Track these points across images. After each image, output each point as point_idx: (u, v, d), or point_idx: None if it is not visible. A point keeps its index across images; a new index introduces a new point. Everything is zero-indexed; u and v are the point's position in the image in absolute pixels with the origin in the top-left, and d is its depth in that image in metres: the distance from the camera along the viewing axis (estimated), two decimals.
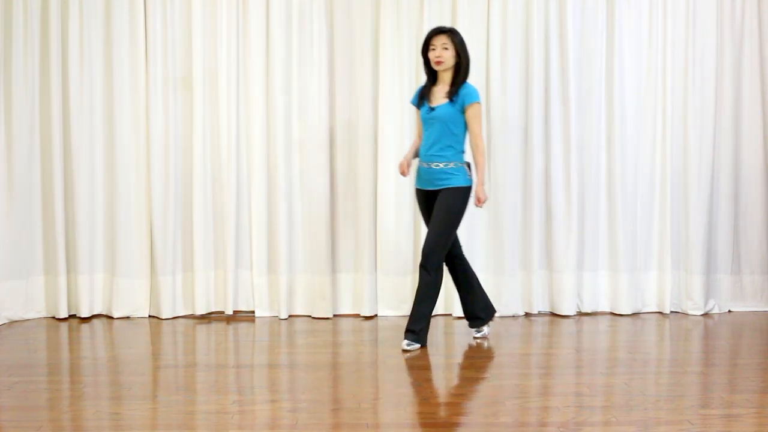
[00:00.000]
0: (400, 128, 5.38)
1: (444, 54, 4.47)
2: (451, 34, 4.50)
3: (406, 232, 5.41)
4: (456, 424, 3.30)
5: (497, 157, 5.40)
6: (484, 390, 3.77)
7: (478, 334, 4.82)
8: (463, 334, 4.97)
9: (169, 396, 3.67)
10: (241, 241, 5.42)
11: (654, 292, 5.55)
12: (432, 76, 4.59)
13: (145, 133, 5.31)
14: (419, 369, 4.17)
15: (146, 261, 5.35)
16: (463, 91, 4.47)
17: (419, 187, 4.61)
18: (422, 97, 4.59)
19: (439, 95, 4.52)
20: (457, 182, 4.46)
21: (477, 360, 4.34)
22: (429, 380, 3.96)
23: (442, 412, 3.46)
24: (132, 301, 5.36)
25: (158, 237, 5.30)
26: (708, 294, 5.52)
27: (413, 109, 5.39)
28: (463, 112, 4.47)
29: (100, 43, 5.29)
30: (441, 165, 4.46)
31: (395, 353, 4.44)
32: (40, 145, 5.26)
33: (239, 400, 3.62)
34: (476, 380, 3.93)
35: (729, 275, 5.59)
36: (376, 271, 5.42)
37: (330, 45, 5.35)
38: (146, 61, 5.27)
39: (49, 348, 4.71)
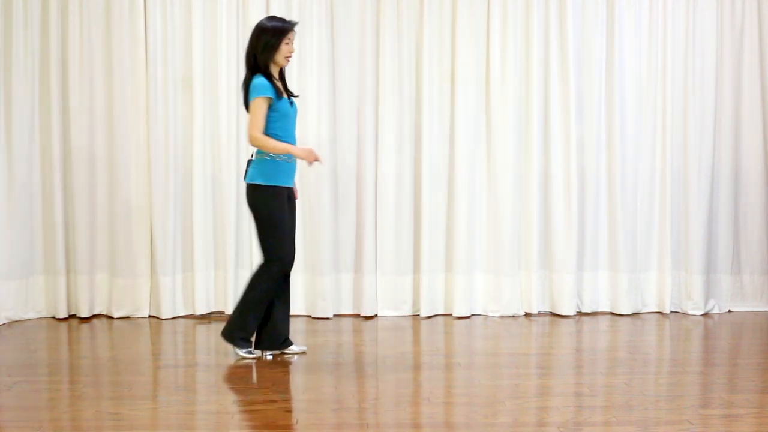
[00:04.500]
0: (400, 128, 5.37)
1: (293, 50, 4.29)
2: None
3: (407, 232, 5.41)
4: (456, 424, 3.30)
5: (497, 156, 5.40)
6: (484, 390, 3.77)
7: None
8: (463, 335, 4.97)
9: (169, 396, 3.67)
10: (241, 241, 5.42)
11: (654, 292, 5.55)
12: (265, 70, 4.21)
13: (145, 133, 5.30)
14: (419, 369, 4.17)
15: (146, 261, 5.35)
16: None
17: (287, 185, 4.26)
18: (278, 90, 4.20)
19: (282, 90, 4.25)
20: None
21: (477, 360, 4.34)
22: (429, 380, 3.96)
23: (442, 412, 3.46)
24: (132, 301, 5.36)
25: (158, 237, 5.30)
26: (708, 294, 5.52)
27: (411, 109, 5.40)
28: None
29: (100, 44, 5.29)
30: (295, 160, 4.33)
31: (395, 353, 4.44)
32: (40, 145, 5.26)
33: (239, 400, 3.62)
34: (476, 380, 3.93)
35: (729, 275, 5.59)
36: (376, 271, 5.42)
37: (330, 45, 5.35)
38: (146, 61, 5.27)
39: (49, 348, 4.71)
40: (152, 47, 5.25)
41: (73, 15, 5.22)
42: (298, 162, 4.35)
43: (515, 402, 3.56)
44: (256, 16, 5.27)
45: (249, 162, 4.28)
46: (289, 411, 3.48)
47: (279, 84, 4.24)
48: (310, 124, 5.32)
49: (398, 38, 5.36)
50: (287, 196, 4.26)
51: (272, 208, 4.18)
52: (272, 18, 4.29)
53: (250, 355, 4.29)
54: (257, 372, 4.13)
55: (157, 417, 3.38)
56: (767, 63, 5.51)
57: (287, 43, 4.22)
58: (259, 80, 4.15)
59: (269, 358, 4.31)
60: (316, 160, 4.17)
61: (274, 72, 4.25)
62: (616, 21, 5.42)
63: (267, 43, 4.17)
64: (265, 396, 3.71)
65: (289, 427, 3.27)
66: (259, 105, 4.12)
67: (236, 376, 4.04)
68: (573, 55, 5.38)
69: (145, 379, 3.97)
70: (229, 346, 4.36)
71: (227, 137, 5.32)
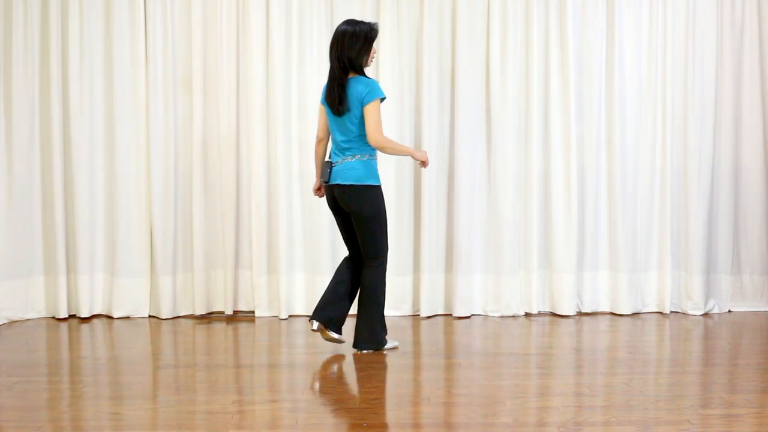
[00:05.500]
0: (400, 128, 5.38)
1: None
2: None
3: (407, 232, 5.41)
4: (456, 424, 3.30)
5: (497, 156, 5.41)
6: (484, 390, 3.77)
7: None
8: (463, 335, 4.97)
9: (169, 396, 3.67)
10: (241, 241, 5.42)
11: (654, 292, 5.55)
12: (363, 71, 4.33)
13: (145, 133, 5.31)
14: (419, 369, 4.17)
15: (146, 261, 5.35)
16: None
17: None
18: None
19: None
20: None
21: (477, 360, 4.34)
22: (429, 380, 3.96)
23: (442, 412, 3.46)
24: (132, 301, 5.36)
25: (158, 237, 5.30)
26: (708, 294, 5.52)
27: (411, 108, 5.41)
28: None
29: (100, 43, 5.29)
30: None
31: (395, 353, 4.44)
32: (40, 145, 5.26)
33: (239, 400, 3.62)
34: (476, 380, 3.93)
35: (729, 275, 5.59)
36: None
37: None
38: (146, 61, 5.27)
39: (49, 348, 4.72)
40: (152, 47, 5.25)
41: (73, 15, 5.22)
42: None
43: (515, 402, 3.56)
44: (256, 16, 5.28)
45: (331, 164, 4.32)
46: (289, 411, 3.48)
47: None
48: (310, 124, 5.32)
49: (398, 38, 5.37)
50: None
51: (384, 207, 4.35)
52: (368, 23, 4.33)
53: (395, 343, 4.53)
54: (257, 372, 4.13)
55: (157, 417, 3.38)
56: (767, 63, 5.52)
57: (373, 47, 4.32)
58: (375, 82, 4.26)
59: (314, 327, 4.41)
60: (427, 162, 4.40)
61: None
62: (616, 21, 5.43)
63: (365, 46, 4.25)
64: (265, 396, 3.71)
65: (289, 427, 3.27)
66: (378, 106, 4.23)
67: (236, 376, 4.04)
68: (573, 55, 5.38)
69: (145, 379, 3.97)
70: (225, 347, 4.36)
71: (227, 137, 5.32)
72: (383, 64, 5.35)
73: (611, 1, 5.43)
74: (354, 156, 4.28)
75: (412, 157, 4.38)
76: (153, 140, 5.27)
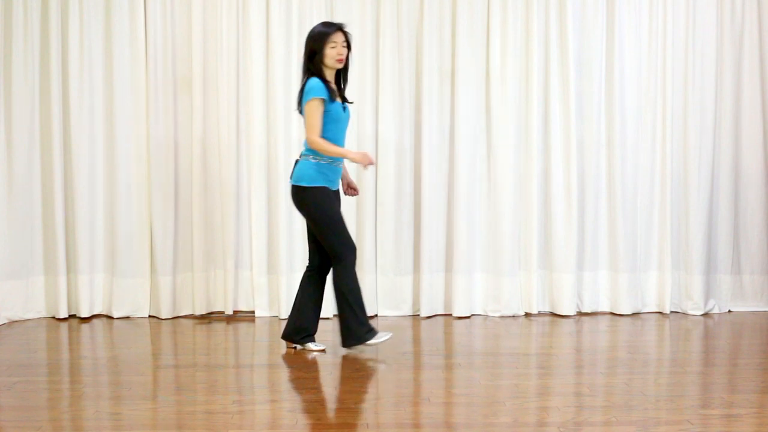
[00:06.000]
0: (401, 128, 5.38)
1: (344, 52, 4.32)
2: (349, 34, 4.36)
3: (407, 232, 5.41)
4: (456, 424, 3.30)
5: (497, 156, 5.41)
6: (484, 390, 3.77)
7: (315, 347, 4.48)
8: (463, 335, 4.97)
9: (169, 396, 3.67)
10: (241, 241, 5.42)
11: (654, 292, 5.55)
12: (318, 72, 4.30)
13: (145, 133, 5.30)
14: (419, 369, 4.17)
15: (146, 261, 5.35)
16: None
17: (333, 188, 4.36)
18: (332, 93, 4.30)
19: (341, 94, 4.38)
20: None
21: (477, 360, 4.34)
22: (429, 380, 3.96)
23: (442, 412, 3.46)
24: (132, 301, 5.35)
25: (158, 237, 5.29)
26: (708, 294, 5.52)
27: (411, 108, 5.40)
28: None
29: (100, 43, 5.29)
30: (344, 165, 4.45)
31: (395, 353, 4.44)
32: (40, 145, 5.26)
33: (239, 400, 3.62)
34: (476, 380, 3.93)
35: (729, 275, 5.59)
36: (376, 271, 5.42)
37: None
38: (146, 61, 5.27)
39: (49, 348, 4.72)
40: (152, 47, 5.25)
41: (73, 15, 5.22)
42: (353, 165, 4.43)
43: (515, 402, 3.56)
44: (256, 16, 5.28)
45: (296, 162, 4.38)
46: (289, 411, 3.48)
47: (333, 87, 4.32)
48: None
49: (398, 38, 5.36)
50: (334, 196, 4.36)
51: (323, 207, 4.28)
52: (321, 24, 4.40)
53: (387, 335, 4.39)
54: (257, 372, 4.13)
55: (157, 417, 3.38)
56: (767, 63, 5.51)
57: (333, 47, 4.27)
58: (314, 82, 4.25)
59: (292, 349, 4.42)
60: (371, 163, 4.23)
61: (329, 76, 4.32)
62: (616, 21, 5.42)
63: (312, 48, 4.28)
64: (265, 396, 3.71)
65: (289, 427, 3.27)
66: (315, 107, 4.21)
67: (236, 376, 4.04)
68: (573, 55, 5.38)
69: (145, 379, 3.97)
70: (225, 347, 4.36)
71: (227, 137, 5.32)
72: (383, 64, 5.34)
73: (611, 1, 5.43)
74: (301, 156, 4.35)
75: (350, 159, 4.27)
76: (153, 140, 5.27)
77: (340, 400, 3.63)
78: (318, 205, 4.27)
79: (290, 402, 3.63)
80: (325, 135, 4.25)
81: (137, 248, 5.33)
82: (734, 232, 5.59)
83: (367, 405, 3.57)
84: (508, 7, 5.36)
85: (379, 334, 4.39)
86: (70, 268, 5.33)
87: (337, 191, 4.42)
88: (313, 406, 3.55)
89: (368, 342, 4.37)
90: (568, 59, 5.37)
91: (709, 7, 5.44)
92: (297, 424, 3.29)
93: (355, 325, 4.35)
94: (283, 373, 4.14)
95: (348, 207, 5.36)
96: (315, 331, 4.50)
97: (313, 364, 4.25)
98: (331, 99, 4.25)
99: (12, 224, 5.20)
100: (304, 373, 4.09)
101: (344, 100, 4.37)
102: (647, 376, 4.01)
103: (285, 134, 5.34)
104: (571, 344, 4.78)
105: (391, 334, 4.45)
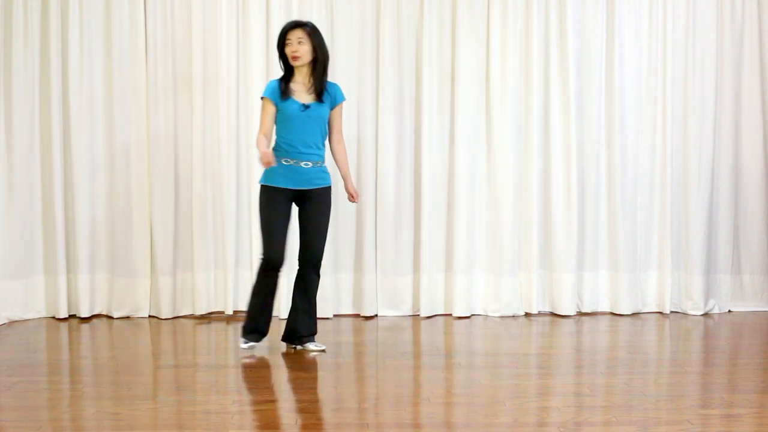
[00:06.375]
0: (401, 128, 5.38)
1: (300, 49, 4.31)
2: (308, 28, 4.36)
3: (407, 232, 5.41)
4: (456, 424, 3.30)
5: (497, 156, 5.41)
6: (484, 390, 3.77)
7: (315, 348, 4.47)
8: (463, 335, 4.97)
9: (169, 396, 3.67)
10: (241, 241, 5.42)
11: (654, 292, 5.55)
12: (288, 71, 4.39)
13: (145, 133, 5.30)
14: (419, 369, 4.17)
15: (146, 261, 5.34)
16: (332, 90, 4.39)
17: (284, 186, 4.32)
18: (284, 92, 4.33)
19: (302, 93, 4.36)
20: (329, 181, 4.45)
21: (477, 360, 4.34)
22: (429, 380, 3.96)
23: (442, 412, 3.46)
24: (132, 301, 5.35)
25: (158, 237, 5.29)
26: (708, 294, 5.52)
27: (411, 108, 5.40)
28: (330, 110, 4.40)
29: (100, 43, 5.29)
30: (319, 163, 4.38)
31: (395, 353, 4.44)
32: (40, 145, 5.26)
33: (239, 400, 3.62)
34: (476, 380, 3.93)
35: (729, 275, 5.59)
36: (376, 271, 5.42)
37: (330, 45, 5.32)
38: (146, 61, 5.27)
39: (49, 348, 4.72)
40: (152, 47, 5.25)
41: (73, 16, 5.21)
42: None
43: (515, 402, 3.56)
44: (256, 16, 5.28)
45: None
46: (289, 411, 3.48)
47: (293, 86, 4.34)
48: None
49: (398, 38, 5.36)
50: (288, 197, 4.34)
51: (262, 207, 4.36)
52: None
53: (243, 345, 4.41)
54: (257, 372, 4.13)
55: (157, 417, 3.38)
56: (767, 63, 5.51)
57: (288, 45, 4.32)
58: (269, 82, 4.41)
59: (292, 350, 4.47)
60: (268, 164, 4.15)
61: (299, 74, 4.36)
62: (616, 21, 5.42)
63: (278, 49, 4.40)
64: (265, 396, 3.72)
65: (289, 427, 3.27)
66: (263, 106, 4.37)
67: (236, 376, 4.04)
68: (573, 55, 5.38)
69: (145, 379, 3.97)
70: (225, 347, 4.37)
71: (227, 137, 5.32)
72: (383, 65, 5.34)
73: (611, 1, 5.43)
74: None
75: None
76: (153, 140, 5.27)
77: (340, 400, 3.63)
78: (259, 203, 4.36)
79: (290, 402, 3.63)
80: (279, 133, 4.35)
81: (137, 248, 5.33)
82: (734, 232, 5.59)
83: (367, 405, 3.57)
84: (508, 7, 5.36)
85: (246, 342, 4.42)
86: (70, 268, 5.33)
87: (302, 192, 4.36)
88: (313, 406, 3.55)
89: (242, 344, 4.44)
90: (568, 59, 5.37)
91: (709, 7, 5.44)
92: (297, 424, 3.29)
93: (244, 322, 4.47)
94: (283, 373, 4.14)
95: (348, 207, 5.38)
96: (312, 331, 4.50)
97: (313, 364, 4.26)
98: (282, 98, 4.30)
99: (12, 224, 5.20)
100: (304, 373, 4.09)
101: (318, 97, 4.33)
102: (647, 376, 4.01)
103: None
104: (571, 344, 4.78)
105: (250, 345, 4.42)
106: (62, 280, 5.26)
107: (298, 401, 3.62)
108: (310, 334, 4.49)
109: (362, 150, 5.37)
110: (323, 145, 4.42)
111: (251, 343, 4.41)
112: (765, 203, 5.58)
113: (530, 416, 3.39)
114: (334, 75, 5.32)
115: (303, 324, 4.46)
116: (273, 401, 3.64)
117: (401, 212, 5.40)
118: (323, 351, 4.43)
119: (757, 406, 3.52)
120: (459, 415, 3.41)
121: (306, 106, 4.31)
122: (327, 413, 3.45)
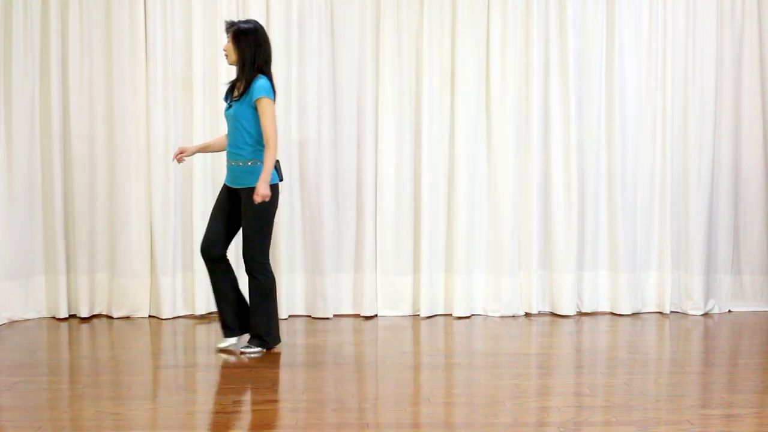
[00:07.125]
0: (401, 128, 5.38)
1: (227, 47, 4.36)
2: (233, 30, 4.33)
3: (407, 232, 5.41)
4: (456, 424, 3.30)
5: (497, 156, 5.41)
6: (484, 390, 3.77)
7: (246, 350, 4.41)
8: (463, 335, 4.97)
9: (169, 396, 3.67)
10: (241, 241, 5.40)
11: (654, 292, 5.55)
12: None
13: (145, 133, 5.30)
14: (419, 369, 4.18)
15: (146, 261, 5.34)
16: (253, 87, 4.29)
17: (226, 183, 4.47)
18: (229, 92, 4.42)
19: (238, 91, 4.39)
20: (253, 182, 4.30)
21: (477, 360, 4.35)
22: (429, 380, 3.96)
23: (442, 412, 3.46)
24: (132, 301, 5.35)
25: (158, 237, 5.29)
26: (708, 294, 5.52)
27: (411, 108, 5.40)
28: (254, 108, 4.30)
29: (100, 43, 5.29)
30: (240, 163, 4.35)
31: (395, 353, 4.44)
32: (40, 145, 5.26)
33: (239, 400, 3.62)
34: (476, 380, 3.93)
35: (729, 275, 5.59)
36: (376, 271, 5.42)
37: (330, 45, 5.34)
38: (146, 61, 5.27)
39: (49, 348, 4.72)
40: (152, 47, 5.25)
41: (73, 15, 5.22)
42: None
43: (515, 402, 3.57)
44: (256, 17, 5.27)
45: None
46: (289, 411, 3.48)
47: (233, 85, 4.44)
48: (310, 124, 5.32)
49: (398, 38, 5.36)
50: (226, 193, 4.48)
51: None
52: None
53: (225, 343, 4.51)
54: (257, 372, 4.13)
55: (157, 417, 3.38)
56: (767, 63, 5.52)
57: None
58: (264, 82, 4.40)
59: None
60: (177, 159, 4.55)
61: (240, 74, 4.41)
62: (616, 21, 5.42)
63: None
64: (265, 396, 3.72)
65: (289, 427, 3.27)
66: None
67: (236, 376, 4.04)
68: (573, 55, 5.38)
69: (145, 379, 3.97)
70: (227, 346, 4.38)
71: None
72: (383, 64, 5.34)
73: (611, 1, 5.43)
74: None
75: None
76: (153, 140, 5.27)
77: (340, 400, 3.64)
78: (273, 204, 4.42)
79: (290, 402, 3.63)
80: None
81: (137, 248, 5.33)
82: (734, 232, 5.59)
83: (367, 405, 3.57)
84: (508, 7, 5.36)
85: (225, 339, 4.51)
86: (70, 268, 5.33)
87: (233, 191, 4.42)
88: (313, 406, 3.55)
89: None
90: (568, 59, 5.37)
91: (709, 8, 5.44)
92: (297, 424, 3.29)
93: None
94: (283, 373, 4.14)
95: (348, 207, 5.38)
96: (238, 326, 4.52)
97: (314, 364, 4.25)
98: (225, 97, 4.45)
99: (12, 224, 5.20)
100: (304, 373, 4.09)
101: (241, 96, 4.31)
102: (647, 376, 4.02)
103: (285, 134, 5.33)
104: (571, 344, 4.78)
105: (227, 343, 4.48)
106: (62, 280, 5.26)
107: (298, 401, 3.62)
108: (236, 328, 4.50)
109: (362, 150, 5.37)
110: (250, 144, 4.32)
111: (227, 341, 4.47)
112: (765, 203, 5.58)
113: (530, 416, 3.39)
114: (336, 75, 5.35)
115: (228, 316, 4.50)
116: (273, 401, 3.64)
117: (401, 212, 5.40)
118: (243, 354, 4.37)
119: (757, 406, 3.53)
120: (459, 415, 3.42)
121: (229, 106, 4.38)
122: (327, 413, 3.45)
